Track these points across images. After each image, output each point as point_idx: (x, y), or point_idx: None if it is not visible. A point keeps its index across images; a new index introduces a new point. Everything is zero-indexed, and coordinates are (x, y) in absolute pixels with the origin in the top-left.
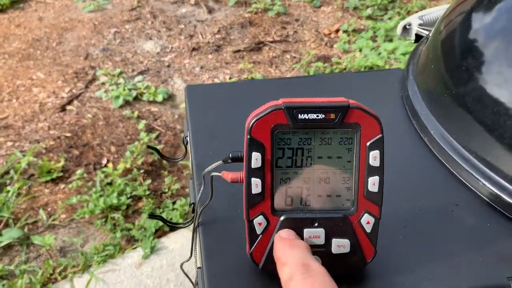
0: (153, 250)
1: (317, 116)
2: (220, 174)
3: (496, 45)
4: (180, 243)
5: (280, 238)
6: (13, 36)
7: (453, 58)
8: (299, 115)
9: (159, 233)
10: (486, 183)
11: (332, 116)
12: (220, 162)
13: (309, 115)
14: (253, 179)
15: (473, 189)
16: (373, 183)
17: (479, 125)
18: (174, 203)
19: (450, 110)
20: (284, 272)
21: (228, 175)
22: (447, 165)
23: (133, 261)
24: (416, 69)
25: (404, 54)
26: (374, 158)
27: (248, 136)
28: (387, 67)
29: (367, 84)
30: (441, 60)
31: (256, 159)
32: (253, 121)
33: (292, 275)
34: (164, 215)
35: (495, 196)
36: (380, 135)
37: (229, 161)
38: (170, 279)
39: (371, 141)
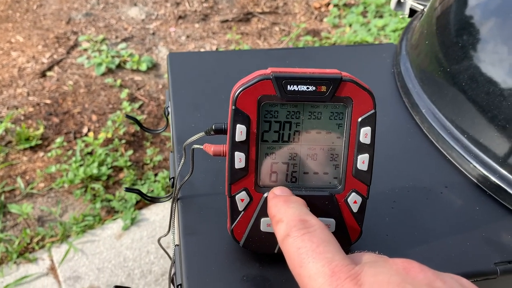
0: (133, 221)
1: (307, 88)
2: (201, 147)
3: (493, 23)
4: (161, 215)
5: (274, 195)
6: None
7: (448, 35)
8: (288, 86)
9: (140, 205)
10: (477, 165)
11: (323, 88)
12: (202, 133)
13: (299, 86)
14: (236, 153)
15: (463, 170)
16: (362, 161)
17: (472, 105)
18: (156, 175)
19: (443, 89)
20: (280, 229)
21: (210, 148)
22: (437, 145)
23: (113, 232)
24: (409, 44)
25: (394, 31)
26: (365, 135)
27: (233, 107)
28: (376, 43)
29: (359, 59)
30: (435, 37)
31: (240, 131)
32: (238, 90)
33: (289, 232)
34: (145, 187)
35: (484, 178)
36: (372, 111)
37: (212, 133)
38: (150, 251)
39: (363, 117)
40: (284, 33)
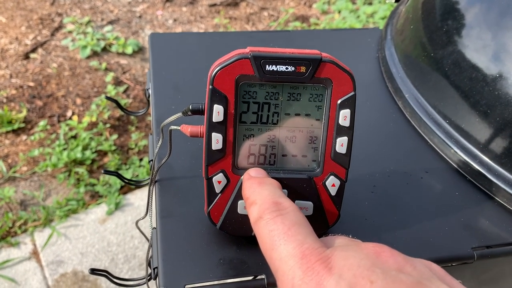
0: (117, 206)
1: (287, 68)
2: (179, 128)
3: (478, 9)
4: (146, 200)
5: (249, 176)
6: None
7: (433, 20)
8: (267, 66)
9: (124, 189)
10: (458, 150)
11: (303, 69)
12: (179, 114)
13: (278, 66)
14: (213, 134)
15: (444, 156)
16: (341, 144)
17: (455, 91)
18: (141, 160)
19: (426, 74)
20: (253, 211)
21: (187, 129)
22: (419, 130)
23: (96, 216)
24: (394, 29)
25: (383, 18)
26: (344, 117)
27: (210, 87)
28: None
29: (344, 43)
30: (420, 21)
31: (218, 112)
32: (216, 70)
33: (262, 214)
34: (130, 172)
35: (465, 164)
36: (352, 93)
37: (189, 113)
38: (134, 235)
39: (343, 99)
40: (273, 18)
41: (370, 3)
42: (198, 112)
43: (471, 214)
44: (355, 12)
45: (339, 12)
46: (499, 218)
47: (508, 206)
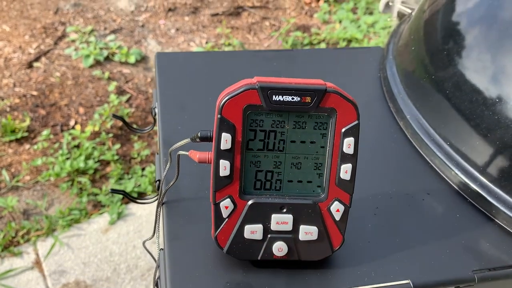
0: (120, 216)
1: (292, 98)
2: (187, 153)
3: (477, 31)
4: (148, 210)
5: None
6: None
7: (435, 41)
8: (274, 96)
9: (126, 200)
10: (458, 172)
11: (308, 99)
12: (187, 140)
13: (284, 97)
14: (221, 161)
15: (444, 177)
16: (345, 170)
17: (456, 113)
18: (143, 169)
19: (428, 95)
20: None
21: (195, 155)
22: (420, 151)
23: (99, 226)
24: (396, 49)
25: (383, 28)
26: (348, 145)
27: (219, 116)
28: (365, 40)
29: (346, 62)
30: (422, 42)
31: (226, 140)
32: (224, 99)
33: None
34: (132, 182)
35: (465, 186)
36: (356, 122)
37: (198, 140)
38: (136, 245)
39: (347, 127)
40: (274, 28)
41: (371, 13)
42: (206, 139)
43: (471, 236)
44: (356, 22)
45: (340, 22)
46: (499, 240)
47: (508, 229)
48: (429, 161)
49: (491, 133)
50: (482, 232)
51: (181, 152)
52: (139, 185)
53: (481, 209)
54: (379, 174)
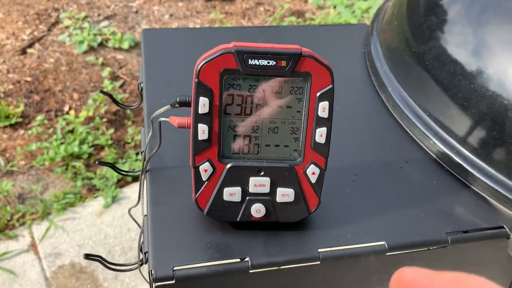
0: (114, 199)
1: (268, 62)
2: (167, 119)
3: (460, 5)
4: None
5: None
6: None
7: (417, 16)
8: (250, 60)
9: (121, 183)
10: (437, 142)
11: (284, 63)
12: (168, 106)
13: (260, 61)
14: (200, 125)
15: (424, 147)
16: (320, 134)
17: (435, 84)
18: (137, 154)
19: (409, 68)
20: None
21: (175, 120)
22: (401, 123)
23: (93, 209)
24: (380, 25)
25: None
26: (323, 109)
27: (196, 80)
28: (349, 23)
29: (332, 38)
30: (405, 17)
31: (203, 104)
32: (201, 64)
33: None
34: (127, 166)
35: (444, 155)
36: (330, 86)
37: (177, 105)
38: (131, 228)
39: (321, 91)
40: (269, 13)
41: None
42: (185, 104)
43: (447, 201)
44: (350, 7)
45: (335, 7)
46: (473, 205)
47: (483, 194)
48: (409, 132)
49: (468, 103)
50: (458, 198)
51: (162, 119)
52: (134, 169)
53: (458, 176)
54: (359, 144)
